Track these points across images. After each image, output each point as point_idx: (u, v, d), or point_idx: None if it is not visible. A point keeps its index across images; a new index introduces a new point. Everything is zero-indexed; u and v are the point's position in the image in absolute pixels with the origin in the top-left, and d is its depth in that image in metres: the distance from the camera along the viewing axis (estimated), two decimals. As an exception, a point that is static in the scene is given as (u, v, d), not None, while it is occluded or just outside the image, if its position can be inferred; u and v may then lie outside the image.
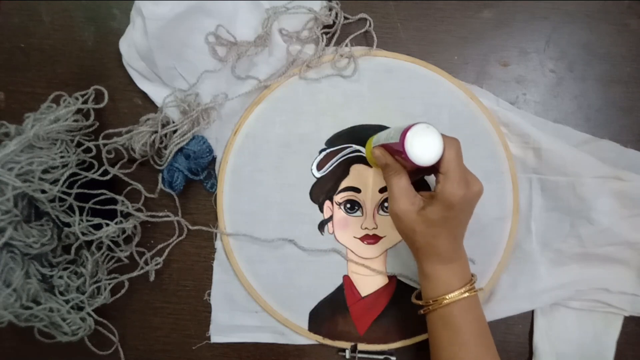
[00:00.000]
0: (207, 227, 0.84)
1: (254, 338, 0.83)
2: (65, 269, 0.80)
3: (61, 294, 0.79)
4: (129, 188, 0.83)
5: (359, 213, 0.82)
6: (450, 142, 0.65)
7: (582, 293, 0.81)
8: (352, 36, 0.83)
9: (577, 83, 0.85)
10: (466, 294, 0.69)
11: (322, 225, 0.83)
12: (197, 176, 0.82)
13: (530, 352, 0.82)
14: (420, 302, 0.73)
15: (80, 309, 0.79)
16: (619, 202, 0.79)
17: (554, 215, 0.82)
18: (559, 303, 0.82)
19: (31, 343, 0.79)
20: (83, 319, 0.78)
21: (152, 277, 0.82)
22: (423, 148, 0.63)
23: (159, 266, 0.82)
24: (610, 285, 0.80)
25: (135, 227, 0.82)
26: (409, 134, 0.63)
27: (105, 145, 0.80)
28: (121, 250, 0.82)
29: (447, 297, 0.69)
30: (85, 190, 0.78)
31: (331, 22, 0.83)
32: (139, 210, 0.82)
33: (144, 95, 0.85)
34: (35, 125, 0.75)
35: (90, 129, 0.82)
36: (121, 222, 0.80)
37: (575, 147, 0.81)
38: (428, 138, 0.64)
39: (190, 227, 0.84)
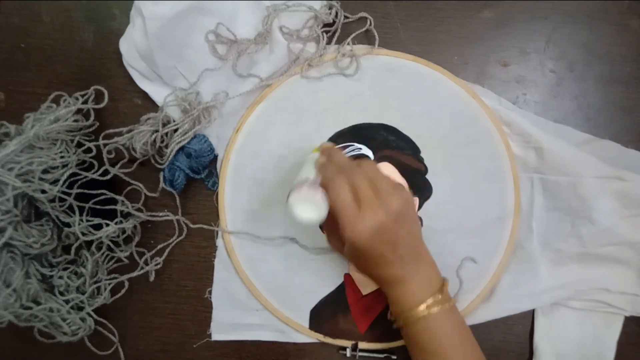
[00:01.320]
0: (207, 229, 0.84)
1: (254, 336, 0.83)
2: (65, 269, 0.80)
3: (61, 294, 0.79)
4: (129, 188, 0.83)
5: (359, 212, 0.82)
6: (332, 188, 0.65)
7: (583, 293, 0.81)
8: (353, 35, 0.83)
9: (577, 83, 0.85)
10: (435, 308, 0.67)
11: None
12: (199, 175, 0.82)
13: (531, 352, 0.82)
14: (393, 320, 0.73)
15: (80, 309, 0.79)
16: (619, 202, 0.79)
17: (555, 215, 0.82)
18: (560, 303, 0.82)
19: (31, 343, 0.78)
20: (83, 319, 0.78)
21: (152, 277, 0.82)
22: (306, 212, 0.66)
23: (159, 266, 0.82)
24: (611, 285, 0.80)
25: (135, 227, 0.82)
26: (290, 202, 0.65)
27: (105, 145, 0.80)
28: (121, 251, 0.82)
29: (412, 314, 0.68)
30: (86, 191, 0.78)
31: (331, 21, 0.83)
32: (139, 210, 0.82)
33: (144, 95, 0.85)
34: (35, 125, 0.75)
35: (91, 129, 0.82)
36: (121, 222, 0.80)
37: (576, 147, 0.81)
38: (307, 200, 0.66)
39: (191, 225, 0.84)
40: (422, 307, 0.67)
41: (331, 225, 0.71)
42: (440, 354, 0.68)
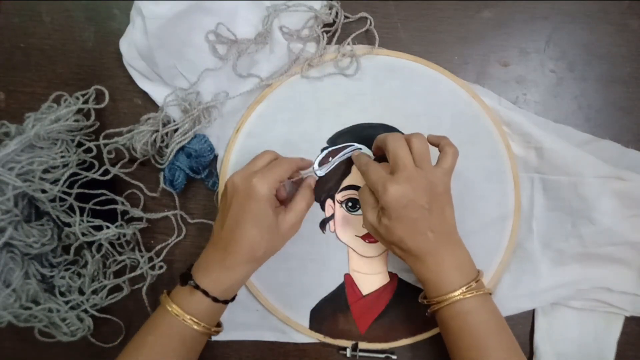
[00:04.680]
0: (207, 227, 0.84)
1: (254, 336, 0.83)
2: (67, 269, 0.80)
3: (62, 294, 0.79)
4: (129, 191, 0.84)
5: (360, 211, 0.82)
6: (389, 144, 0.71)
7: (583, 292, 0.81)
8: (353, 35, 0.83)
9: (577, 83, 0.86)
10: (470, 295, 0.68)
11: (323, 224, 0.83)
12: (199, 175, 0.82)
13: (531, 352, 0.82)
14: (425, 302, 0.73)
15: (84, 310, 0.79)
16: (620, 202, 0.79)
17: (556, 215, 0.82)
18: (560, 302, 0.82)
19: (31, 343, 0.79)
20: (81, 320, 0.78)
21: (151, 278, 0.82)
22: None
23: (162, 270, 0.83)
24: (612, 285, 0.80)
25: (134, 234, 0.82)
26: None
27: (106, 145, 0.80)
28: (122, 251, 0.82)
29: (446, 298, 0.68)
30: (86, 190, 0.78)
31: (331, 21, 0.83)
32: (139, 219, 0.83)
33: (145, 95, 0.85)
34: (36, 125, 0.75)
35: (91, 129, 0.82)
36: (122, 225, 0.81)
37: (577, 147, 0.81)
38: None
39: (189, 220, 0.84)
40: (458, 292, 0.68)
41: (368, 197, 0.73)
42: (476, 343, 0.68)
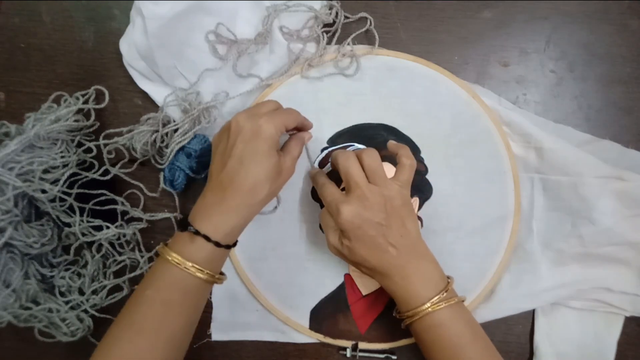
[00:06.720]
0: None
1: (254, 336, 0.83)
2: (67, 269, 0.80)
3: (62, 294, 0.79)
4: (128, 192, 0.83)
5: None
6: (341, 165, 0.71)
7: (583, 292, 0.81)
8: (353, 35, 0.83)
9: (577, 83, 0.85)
10: (441, 306, 0.68)
11: (323, 224, 0.82)
12: (199, 175, 0.82)
13: (531, 353, 0.82)
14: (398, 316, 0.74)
15: (84, 310, 0.79)
16: (620, 202, 0.79)
17: (556, 215, 0.82)
18: (560, 303, 0.81)
19: (31, 343, 0.79)
20: (81, 320, 0.78)
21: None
22: None
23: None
24: (612, 285, 0.80)
25: (134, 233, 0.82)
26: None
27: (106, 145, 0.80)
28: (122, 251, 0.82)
29: (417, 311, 0.68)
30: (86, 191, 0.78)
31: (331, 21, 0.83)
32: (139, 219, 0.83)
33: (145, 95, 0.85)
34: (36, 125, 0.75)
35: (91, 129, 0.82)
36: (122, 225, 0.80)
37: (577, 147, 0.81)
38: None
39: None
40: (427, 304, 0.67)
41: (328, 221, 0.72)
42: (452, 354, 0.68)
